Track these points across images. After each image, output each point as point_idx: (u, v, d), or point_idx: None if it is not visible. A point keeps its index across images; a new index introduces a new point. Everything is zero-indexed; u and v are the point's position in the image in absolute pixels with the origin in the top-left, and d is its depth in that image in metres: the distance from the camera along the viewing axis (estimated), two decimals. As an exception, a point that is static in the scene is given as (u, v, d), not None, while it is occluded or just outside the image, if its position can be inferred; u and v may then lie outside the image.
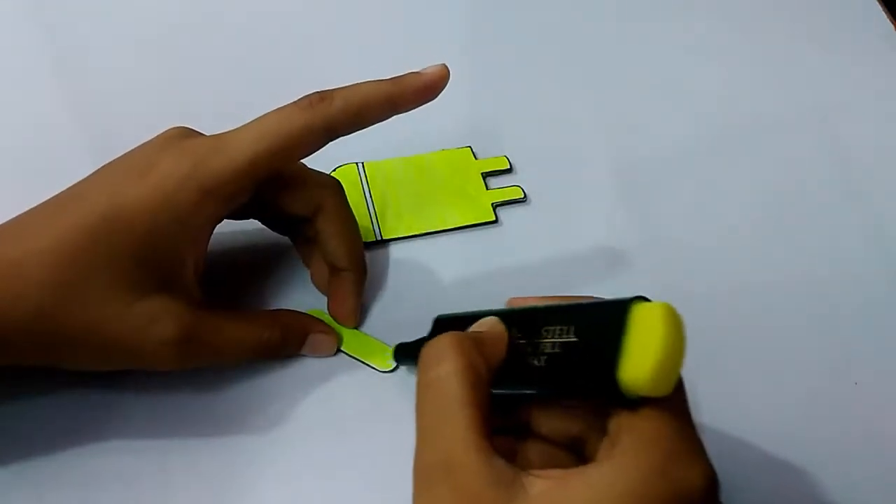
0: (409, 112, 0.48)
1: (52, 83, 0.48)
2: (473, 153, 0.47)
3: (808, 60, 0.54)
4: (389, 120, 0.48)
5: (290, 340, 0.38)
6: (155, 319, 0.33)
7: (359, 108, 0.35)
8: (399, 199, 0.45)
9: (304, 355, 0.39)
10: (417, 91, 0.36)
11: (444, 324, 0.36)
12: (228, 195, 0.34)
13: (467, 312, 0.35)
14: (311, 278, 0.41)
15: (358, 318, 0.40)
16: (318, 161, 0.45)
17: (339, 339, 0.39)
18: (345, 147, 0.46)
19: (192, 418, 0.37)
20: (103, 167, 0.34)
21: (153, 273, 0.33)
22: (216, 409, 0.37)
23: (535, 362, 0.30)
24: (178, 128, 0.35)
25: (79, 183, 0.34)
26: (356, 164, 0.46)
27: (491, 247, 0.44)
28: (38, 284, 0.31)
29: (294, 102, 0.35)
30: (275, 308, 0.40)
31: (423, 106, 0.49)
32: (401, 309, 0.41)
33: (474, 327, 0.33)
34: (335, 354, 0.39)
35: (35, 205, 0.33)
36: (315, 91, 0.35)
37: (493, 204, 0.45)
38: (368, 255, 0.42)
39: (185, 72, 0.50)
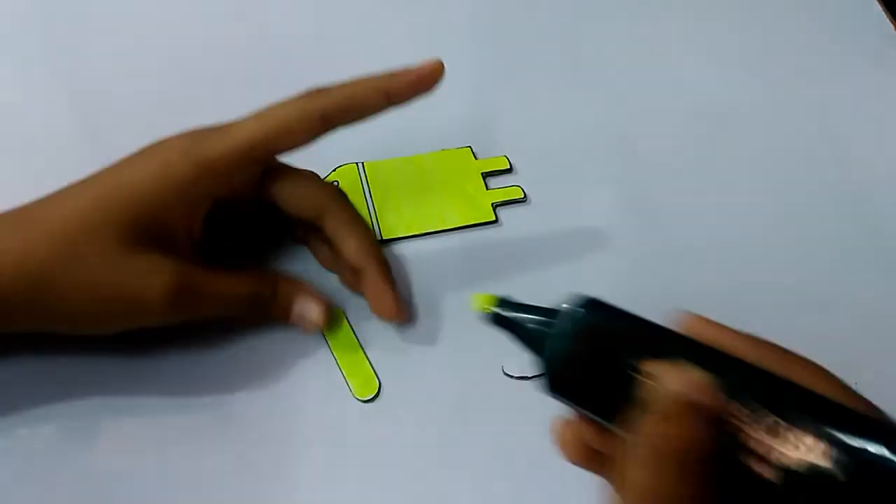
0: (409, 111, 0.48)
1: (52, 83, 0.48)
2: (473, 153, 0.47)
3: (808, 60, 0.54)
4: (390, 120, 0.48)
5: (280, 299, 0.39)
6: (151, 270, 0.35)
7: (354, 99, 0.37)
8: (399, 199, 0.45)
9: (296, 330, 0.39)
10: (411, 83, 0.37)
11: (602, 316, 0.28)
12: (224, 171, 0.36)
13: (638, 318, 0.28)
14: (340, 280, 0.41)
15: (402, 308, 0.40)
16: (319, 161, 0.45)
17: (330, 314, 0.39)
18: (345, 147, 0.46)
19: (195, 421, 0.37)
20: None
21: (150, 234, 0.35)
22: (218, 409, 0.37)
23: (759, 469, 0.21)
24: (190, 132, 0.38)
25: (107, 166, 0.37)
26: (356, 164, 0.46)
27: (491, 247, 0.44)
28: (47, 243, 0.34)
29: (293, 95, 0.37)
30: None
31: (423, 106, 0.49)
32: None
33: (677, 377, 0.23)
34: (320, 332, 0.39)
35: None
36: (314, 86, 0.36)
37: (493, 204, 0.45)
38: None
39: (186, 72, 0.50)
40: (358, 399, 0.38)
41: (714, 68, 0.53)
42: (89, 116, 0.47)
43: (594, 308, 0.27)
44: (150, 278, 0.35)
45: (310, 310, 0.39)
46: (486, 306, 0.30)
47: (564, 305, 0.28)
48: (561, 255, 0.44)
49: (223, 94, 0.48)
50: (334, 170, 0.45)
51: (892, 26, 0.57)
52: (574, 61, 0.53)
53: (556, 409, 0.38)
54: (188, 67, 0.50)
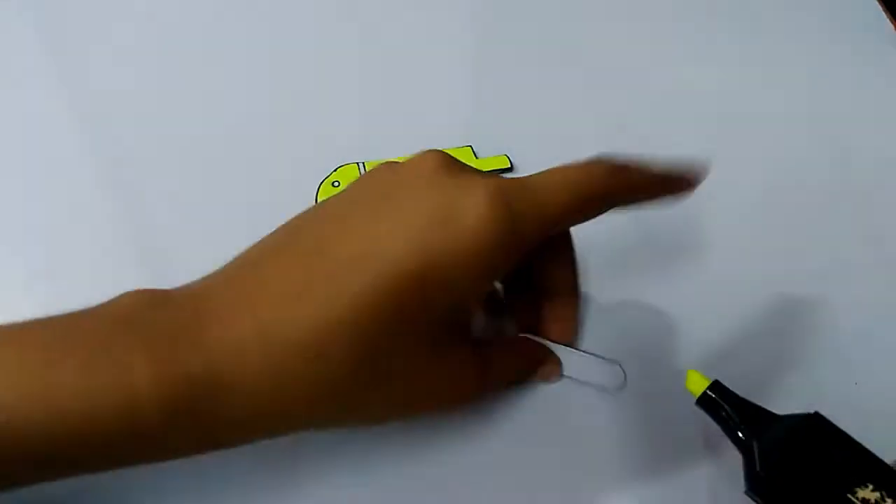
0: (410, 110, 0.49)
1: (55, 86, 0.48)
2: (474, 152, 0.47)
3: (808, 61, 0.54)
4: (390, 119, 0.48)
5: (531, 370, 0.37)
6: (456, 375, 0.31)
7: (648, 184, 0.33)
8: (400, 199, 0.45)
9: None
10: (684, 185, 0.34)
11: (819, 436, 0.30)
12: (532, 246, 0.31)
13: (856, 443, 0.29)
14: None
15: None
16: (320, 161, 0.45)
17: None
18: (346, 147, 0.46)
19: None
20: (355, 204, 0.29)
21: (455, 328, 0.30)
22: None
23: None
24: (438, 155, 0.31)
25: (339, 232, 0.28)
26: (357, 164, 0.46)
27: (492, 246, 0.44)
28: (340, 364, 0.26)
29: (597, 162, 0.32)
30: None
31: (424, 104, 0.49)
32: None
33: None
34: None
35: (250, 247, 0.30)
36: (610, 155, 0.33)
37: (493, 203, 0.45)
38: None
39: (187, 76, 0.50)
40: None
41: (714, 68, 0.53)
42: (91, 120, 0.47)
43: (812, 425, 0.30)
44: (455, 386, 0.31)
45: (552, 373, 0.37)
46: (697, 388, 0.33)
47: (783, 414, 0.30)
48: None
49: (223, 95, 0.49)
50: (335, 170, 0.45)
51: (892, 26, 0.57)
52: (575, 60, 0.53)
53: (559, 410, 0.38)
54: (190, 71, 0.50)
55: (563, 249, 0.35)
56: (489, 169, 0.46)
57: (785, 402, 0.40)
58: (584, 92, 0.51)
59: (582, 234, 0.45)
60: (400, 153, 0.47)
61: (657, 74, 0.53)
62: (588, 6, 0.56)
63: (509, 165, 0.47)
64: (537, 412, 0.38)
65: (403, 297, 0.27)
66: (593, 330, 0.41)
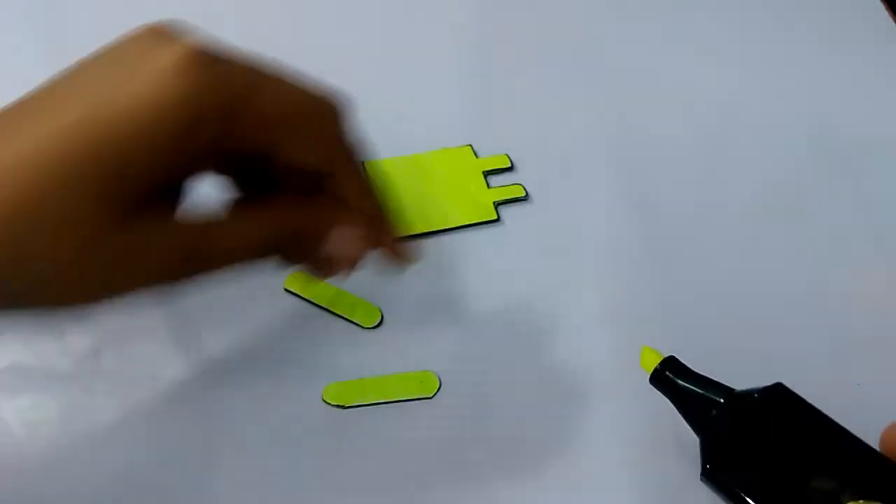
0: (410, 110, 0.49)
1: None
2: (474, 151, 0.47)
3: (809, 58, 0.54)
4: (390, 119, 0.48)
5: (308, 239, 0.31)
6: (147, 245, 0.27)
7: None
8: (400, 199, 0.45)
9: None
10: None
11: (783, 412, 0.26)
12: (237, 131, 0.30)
13: (824, 420, 0.26)
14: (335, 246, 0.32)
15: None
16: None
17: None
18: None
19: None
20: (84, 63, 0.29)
21: (145, 190, 0.27)
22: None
23: None
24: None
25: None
26: (357, 163, 0.46)
27: (493, 245, 0.44)
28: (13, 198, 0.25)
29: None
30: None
31: (424, 104, 0.49)
32: (402, 309, 0.41)
33: None
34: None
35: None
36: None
37: (494, 202, 0.45)
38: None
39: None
40: (367, 328, 0.40)
41: (714, 67, 0.53)
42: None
43: (774, 399, 0.25)
44: (146, 256, 0.27)
45: (344, 241, 0.30)
46: (650, 365, 0.29)
47: (736, 389, 0.26)
48: (563, 254, 0.44)
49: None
50: (335, 169, 0.45)
51: (892, 21, 0.57)
52: (575, 59, 0.53)
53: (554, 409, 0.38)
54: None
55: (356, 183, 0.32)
56: (489, 168, 0.46)
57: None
58: (584, 91, 0.51)
59: (585, 232, 0.45)
60: (399, 152, 0.47)
61: (657, 72, 0.52)
62: (588, 5, 0.56)
63: (509, 165, 0.47)
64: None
65: (66, 157, 0.25)
66: (590, 326, 0.41)
